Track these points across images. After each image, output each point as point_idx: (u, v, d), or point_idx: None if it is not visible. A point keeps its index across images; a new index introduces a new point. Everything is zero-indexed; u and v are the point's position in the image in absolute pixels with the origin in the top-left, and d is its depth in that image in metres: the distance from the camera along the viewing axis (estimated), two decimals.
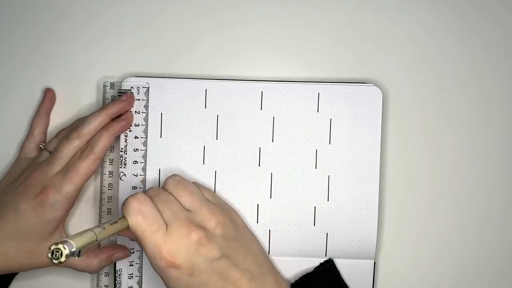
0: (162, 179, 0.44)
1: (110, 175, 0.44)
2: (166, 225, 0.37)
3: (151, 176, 0.44)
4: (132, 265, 0.44)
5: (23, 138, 0.45)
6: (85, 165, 0.40)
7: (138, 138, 0.44)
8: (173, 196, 0.39)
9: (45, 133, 0.44)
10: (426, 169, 0.45)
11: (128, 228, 0.37)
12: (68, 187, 0.40)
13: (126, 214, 0.36)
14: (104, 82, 0.45)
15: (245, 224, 0.42)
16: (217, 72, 0.45)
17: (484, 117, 0.45)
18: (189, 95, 0.44)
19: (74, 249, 0.30)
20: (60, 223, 0.41)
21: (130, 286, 0.44)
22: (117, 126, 0.42)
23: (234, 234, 0.39)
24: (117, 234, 0.37)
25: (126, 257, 0.44)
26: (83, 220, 0.45)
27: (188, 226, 0.37)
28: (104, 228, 0.34)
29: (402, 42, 0.45)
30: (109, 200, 0.44)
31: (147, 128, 0.44)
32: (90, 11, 0.45)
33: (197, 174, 0.44)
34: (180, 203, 0.38)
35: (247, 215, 0.44)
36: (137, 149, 0.44)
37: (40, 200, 0.39)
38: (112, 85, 0.44)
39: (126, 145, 0.44)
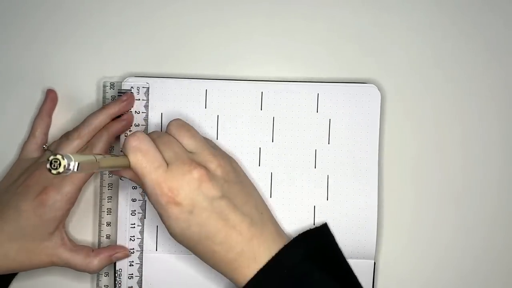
0: None
1: (110, 175, 0.44)
2: (167, 164, 0.36)
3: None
4: (132, 265, 0.44)
5: (24, 139, 0.45)
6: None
7: None
8: (175, 138, 0.38)
9: (46, 134, 0.44)
10: (425, 168, 0.45)
11: (129, 166, 0.36)
12: (68, 187, 0.40)
13: (126, 151, 0.36)
14: (104, 82, 0.45)
15: (245, 173, 0.42)
16: (217, 72, 0.45)
17: (484, 117, 0.45)
18: (189, 95, 0.44)
19: (72, 162, 0.30)
20: (60, 223, 0.41)
21: (130, 286, 0.44)
22: (117, 126, 0.43)
23: (234, 178, 0.39)
24: (119, 174, 0.37)
25: (126, 257, 0.44)
26: (83, 220, 0.45)
27: (190, 163, 0.37)
28: (104, 157, 0.34)
29: (401, 42, 0.45)
30: (109, 200, 0.44)
31: (147, 128, 0.44)
32: (91, 11, 0.45)
33: None
34: (182, 145, 0.38)
35: None
36: None
37: (40, 200, 0.39)
38: (112, 85, 0.45)
39: None
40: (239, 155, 0.44)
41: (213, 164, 0.38)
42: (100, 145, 0.41)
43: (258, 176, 0.44)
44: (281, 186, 0.44)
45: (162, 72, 0.45)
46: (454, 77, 0.45)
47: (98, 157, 0.33)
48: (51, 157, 0.29)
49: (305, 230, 0.40)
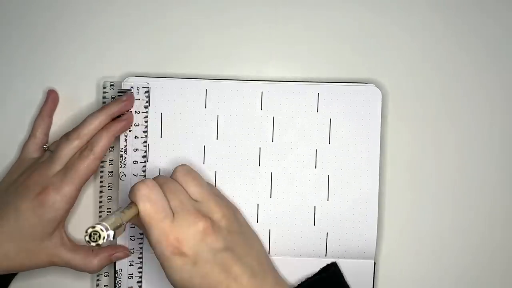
0: None
1: (110, 175, 0.44)
2: (173, 214, 0.37)
3: (152, 176, 0.44)
4: (132, 265, 0.44)
5: (24, 139, 0.45)
6: (85, 165, 0.40)
7: (138, 138, 0.44)
8: (181, 185, 0.39)
9: (47, 134, 0.44)
10: (425, 168, 0.45)
11: (137, 215, 0.36)
12: (68, 187, 0.40)
13: (135, 199, 0.36)
14: (104, 82, 0.45)
15: (248, 223, 0.42)
16: (217, 72, 0.45)
17: (485, 116, 0.45)
18: (189, 95, 0.44)
19: (109, 231, 0.31)
20: (60, 223, 0.41)
21: (130, 286, 0.44)
22: (117, 126, 0.42)
23: (238, 229, 0.39)
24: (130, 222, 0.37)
25: (126, 257, 0.44)
26: (83, 220, 0.45)
27: (196, 215, 0.37)
28: (123, 212, 0.35)
29: (402, 42, 0.45)
30: (109, 200, 0.44)
31: (147, 128, 0.44)
32: (90, 11, 0.45)
33: None
34: (188, 193, 0.38)
35: (247, 214, 0.44)
36: (137, 149, 0.44)
37: (40, 200, 0.39)
38: (112, 85, 0.45)
39: (126, 145, 0.44)
40: (239, 155, 0.44)
41: (218, 215, 0.38)
42: (99, 145, 0.41)
43: (258, 176, 0.44)
44: (281, 186, 0.44)
45: (162, 72, 0.45)
46: (455, 76, 0.45)
47: (118, 214, 0.34)
48: (90, 230, 0.31)
49: (307, 279, 0.41)
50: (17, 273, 0.43)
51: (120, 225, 0.33)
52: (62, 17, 0.45)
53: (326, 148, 0.44)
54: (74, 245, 0.42)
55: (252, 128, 0.44)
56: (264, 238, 0.44)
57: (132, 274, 0.44)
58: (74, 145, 0.41)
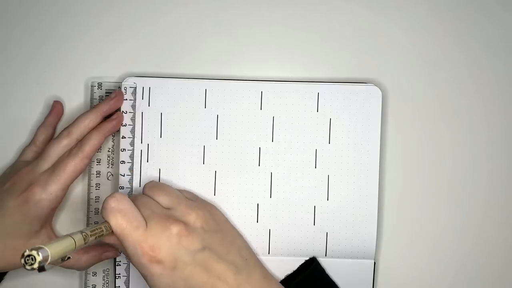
0: (162, 179, 0.44)
1: (98, 175, 0.44)
2: (146, 223, 0.36)
3: (152, 176, 0.44)
4: (120, 265, 0.44)
5: (23, 139, 0.45)
6: (73, 164, 0.40)
7: (125, 138, 0.44)
8: (150, 198, 0.39)
9: (47, 143, 0.44)
10: (425, 168, 0.45)
11: (111, 233, 0.36)
12: (54, 186, 0.39)
13: (106, 214, 0.36)
14: (92, 82, 0.45)
15: (226, 219, 0.42)
16: (217, 72, 0.45)
17: (484, 116, 0.45)
18: (189, 95, 0.44)
19: (48, 255, 0.29)
20: (46, 222, 0.41)
21: (118, 286, 0.44)
22: (107, 126, 0.42)
23: (214, 227, 0.39)
24: (104, 242, 0.37)
25: (115, 256, 0.43)
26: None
27: (167, 219, 0.37)
28: (85, 235, 0.33)
29: (402, 41, 0.45)
30: (96, 200, 0.44)
31: (134, 128, 0.44)
32: (90, 11, 0.45)
33: (197, 174, 0.44)
34: (158, 203, 0.39)
35: (247, 214, 0.44)
36: (124, 149, 0.44)
37: (25, 197, 0.39)
38: (100, 85, 0.44)
39: (114, 145, 0.44)
40: (239, 155, 0.44)
41: (191, 217, 0.38)
42: (89, 144, 0.41)
43: (258, 176, 0.44)
44: (281, 186, 0.44)
45: (162, 72, 0.45)
46: (455, 76, 0.45)
47: (77, 237, 0.32)
48: (26, 252, 0.29)
49: (292, 272, 0.40)
50: (7, 272, 0.43)
51: (70, 251, 0.31)
52: (63, 17, 0.45)
53: (326, 148, 0.44)
54: None
55: (252, 128, 0.44)
56: (264, 238, 0.44)
57: (120, 274, 0.44)
58: (63, 144, 0.41)
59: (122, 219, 0.36)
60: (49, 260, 0.29)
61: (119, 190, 0.44)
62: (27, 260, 0.29)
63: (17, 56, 0.45)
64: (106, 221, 0.36)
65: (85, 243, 0.33)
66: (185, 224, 0.37)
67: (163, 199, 0.39)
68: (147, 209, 0.37)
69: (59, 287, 0.45)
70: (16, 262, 0.40)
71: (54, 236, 0.41)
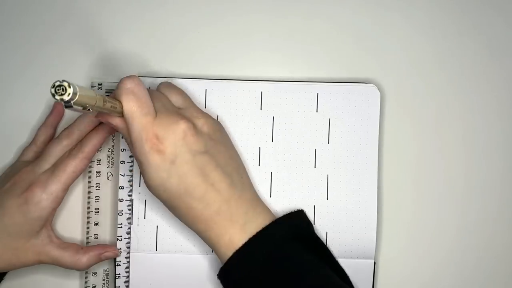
0: None
1: (98, 175, 0.44)
2: (156, 113, 0.37)
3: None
4: (119, 265, 0.44)
5: (24, 140, 0.45)
6: (73, 164, 0.40)
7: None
8: (164, 95, 0.39)
9: (47, 144, 0.44)
10: (425, 168, 0.45)
11: (120, 114, 0.36)
12: (54, 186, 0.39)
13: (119, 94, 0.36)
14: (92, 82, 0.45)
15: (231, 139, 0.42)
16: (217, 72, 0.45)
17: (483, 117, 0.45)
18: (189, 95, 0.44)
19: (77, 92, 0.30)
20: (47, 222, 0.41)
21: (118, 286, 0.43)
22: (108, 126, 0.42)
23: (220, 138, 0.39)
24: (107, 121, 0.37)
25: (115, 257, 0.43)
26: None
27: (178, 116, 0.37)
28: (104, 98, 0.34)
29: (400, 42, 0.46)
30: (96, 200, 0.44)
31: None
32: (90, 12, 0.46)
33: None
34: (171, 101, 0.39)
35: None
36: (124, 149, 0.44)
37: (25, 198, 0.39)
38: (100, 85, 0.45)
39: (114, 145, 0.44)
40: (239, 155, 0.44)
41: (200, 121, 0.38)
42: (89, 145, 0.41)
43: (258, 176, 0.44)
44: (281, 186, 0.44)
45: (162, 72, 0.45)
46: (454, 77, 0.46)
47: (98, 95, 0.33)
48: (57, 83, 0.29)
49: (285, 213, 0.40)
50: (6, 272, 0.43)
51: (90, 102, 0.32)
52: (64, 18, 0.46)
53: (325, 148, 0.44)
54: (62, 243, 0.42)
55: (252, 128, 0.44)
56: None
57: (120, 274, 0.44)
58: (63, 144, 0.41)
59: (134, 102, 0.36)
60: (77, 97, 0.30)
61: (119, 190, 0.44)
62: (58, 89, 0.29)
63: (18, 56, 0.45)
64: (118, 100, 0.36)
65: (103, 105, 0.34)
66: (194, 124, 0.37)
67: (177, 99, 0.39)
68: (160, 103, 0.37)
69: (60, 287, 0.45)
70: (16, 262, 0.40)
71: (54, 236, 0.41)
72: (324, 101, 0.44)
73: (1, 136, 0.45)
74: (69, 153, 0.41)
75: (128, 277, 0.44)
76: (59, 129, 0.45)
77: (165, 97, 0.39)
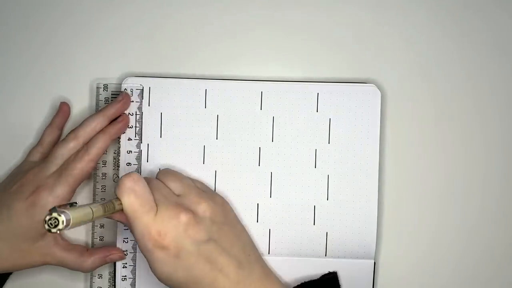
0: None
1: (104, 177, 0.44)
2: (157, 208, 0.37)
3: (151, 176, 0.44)
4: (126, 267, 0.44)
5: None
6: (79, 167, 0.40)
7: (131, 140, 0.44)
8: (163, 183, 0.39)
9: (54, 144, 0.44)
10: (425, 168, 0.45)
11: (121, 210, 0.36)
12: (61, 188, 0.40)
13: (120, 193, 0.36)
14: (98, 83, 0.45)
15: (235, 214, 0.42)
16: (217, 72, 0.45)
17: (483, 116, 0.45)
18: (189, 95, 0.44)
19: (69, 217, 0.30)
20: None
21: None
22: (114, 128, 0.42)
23: (223, 219, 0.39)
24: (109, 217, 0.37)
25: (121, 259, 0.43)
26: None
27: (177, 208, 0.37)
28: (99, 204, 0.34)
29: (401, 42, 0.45)
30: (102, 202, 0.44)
31: (142, 130, 0.44)
32: (92, 13, 0.46)
33: (197, 174, 0.44)
34: (170, 189, 0.39)
35: (247, 214, 0.44)
36: (130, 151, 0.44)
37: (32, 201, 0.39)
38: (106, 86, 0.44)
39: (120, 147, 0.44)
40: (239, 155, 0.44)
41: (201, 207, 0.38)
42: (95, 147, 0.41)
43: (258, 176, 0.44)
44: (281, 186, 0.44)
45: (162, 72, 0.45)
46: (454, 76, 0.45)
47: (94, 207, 0.33)
48: (47, 217, 0.30)
49: (308, 281, 0.40)
50: (12, 272, 0.43)
51: (87, 220, 0.33)
52: (67, 19, 0.45)
53: (325, 148, 0.44)
54: (68, 244, 0.42)
55: (252, 128, 0.44)
56: (264, 238, 0.44)
57: (126, 276, 0.44)
58: (70, 146, 0.41)
59: (135, 201, 0.36)
60: (72, 221, 0.31)
61: None
62: (51, 223, 0.30)
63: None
64: (118, 199, 0.36)
65: (103, 214, 0.34)
66: (194, 213, 0.37)
67: (175, 186, 0.39)
68: (159, 194, 0.37)
69: None
70: (22, 263, 0.40)
71: (60, 238, 0.41)
72: (324, 101, 0.44)
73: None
74: (76, 156, 0.41)
75: (134, 279, 0.44)
76: (65, 130, 0.45)
77: (164, 187, 0.39)
